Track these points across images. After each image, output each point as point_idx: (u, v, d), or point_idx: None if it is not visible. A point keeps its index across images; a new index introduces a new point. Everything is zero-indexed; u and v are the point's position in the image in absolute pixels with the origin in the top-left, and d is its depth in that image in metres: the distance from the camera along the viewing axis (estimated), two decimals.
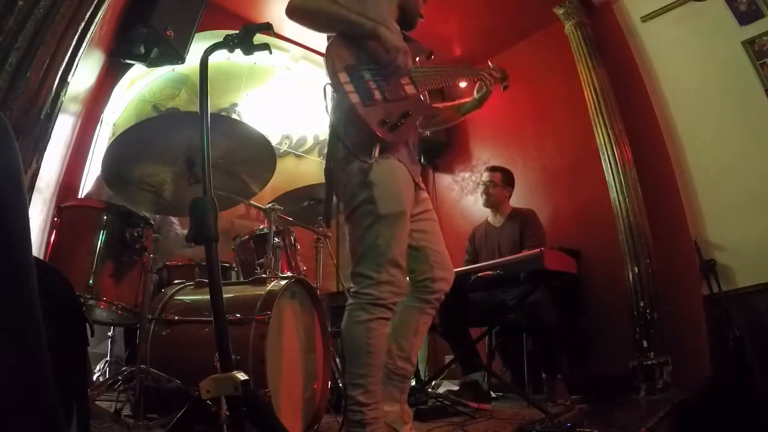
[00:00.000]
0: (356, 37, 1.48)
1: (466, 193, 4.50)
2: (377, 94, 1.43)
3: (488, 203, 3.17)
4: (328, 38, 1.54)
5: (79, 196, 2.65)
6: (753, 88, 2.96)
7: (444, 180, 4.79)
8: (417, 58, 1.64)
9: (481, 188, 3.21)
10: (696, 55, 3.26)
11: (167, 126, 1.93)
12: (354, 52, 1.47)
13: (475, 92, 1.88)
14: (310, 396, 1.84)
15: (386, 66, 1.47)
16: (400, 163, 1.48)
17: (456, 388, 3.36)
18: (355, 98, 1.38)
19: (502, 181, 3.15)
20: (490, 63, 1.95)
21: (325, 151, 1.53)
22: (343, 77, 1.40)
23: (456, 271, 2.65)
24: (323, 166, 1.64)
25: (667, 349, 2.87)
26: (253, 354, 1.53)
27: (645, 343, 2.89)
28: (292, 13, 1.47)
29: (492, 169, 3.23)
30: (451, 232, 4.36)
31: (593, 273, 3.32)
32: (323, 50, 1.51)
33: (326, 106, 1.47)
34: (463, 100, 1.90)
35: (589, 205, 3.52)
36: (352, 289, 1.42)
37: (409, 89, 1.54)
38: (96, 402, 1.63)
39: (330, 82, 1.42)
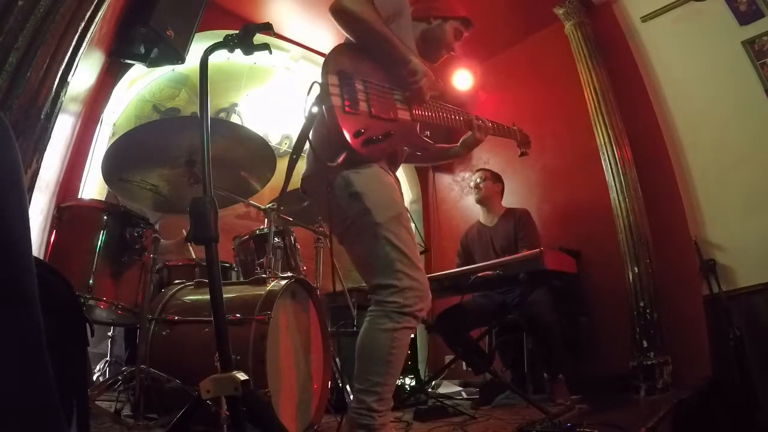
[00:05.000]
0: (370, 52, 1.46)
1: (466, 193, 4.50)
2: (363, 106, 1.39)
3: (480, 198, 3.27)
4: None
5: (79, 196, 2.66)
6: (753, 88, 2.96)
7: (444, 180, 4.79)
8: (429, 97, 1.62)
9: (472, 185, 3.35)
10: (696, 55, 3.25)
11: (167, 128, 1.94)
12: (356, 62, 1.44)
13: (461, 140, 1.84)
14: (309, 396, 1.84)
15: (409, 87, 1.48)
16: (381, 169, 1.46)
17: (458, 388, 3.38)
18: (337, 101, 1.35)
19: (492, 177, 3.27)
20: (514, 126, 1.97)
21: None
22: (332, 80, 1.37)
23: (455, 272, 2.69)
24: None
25: (667, 349, 2.87)
26: (253, 354, 1.53)
27: (645, 343, 2.88)
28: (340, 14, 1.40)
29: (481, 170, 3.38)
30: (450, 232, 4.38)
31: (593, 273, 3.32)
32: (323, 50, 1.51)
33: (306, 102, 1.42)
34: (451, 145, 1.87)
35: (589, 205, 3.52)
36: (375, 297, 1.37)
37: (402, 114, 1.50)
38: (96, 402, 1.63)
39: (320, 81, 1.39)
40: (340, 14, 1.40)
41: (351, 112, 1.37)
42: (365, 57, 1.46)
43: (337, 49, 1.46)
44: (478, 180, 3.27)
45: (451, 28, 1.70)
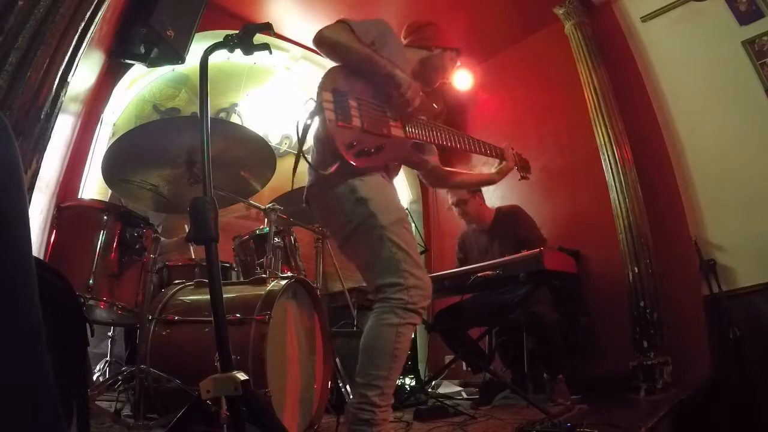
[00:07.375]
0: (363, 73, 1.54)
1: None
2: (356, 121, 1.48)
3: (471, 221, 3.10)
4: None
5: (79, 196, 2.65)
6: (753, 88, 2.96)
7: None
8: (423, 117, 1.71)
9: (456, 212, 3.11)
10: (696, 55, 3.26)
11: (167, 128, 1.94)
12: (350, 82, 1.53)
13: (494, 168, 2.01)
14: (309, 396, 1.84)
15: (396, 99, 1.55)
16: (383, 178, 1.57)
17: (458, 388, 3.38)
18: (330, 115, 1.44)
19: (469, 192, 3.03)
20: (512, 148, 2.05)
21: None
22: (327, 96, 1.46)
23: (455, 272, 2.69)
24: None
25: (667, 349, 2.87)
26: (253, 354, 1.54)
27: (645, 343, 2.89)
28: (321, 43, 1.52)
29: (454, 200, 3.09)
30: (450, 233, 4.37)
31: (593, 273, 3.32)
32: None
33: (300, 117, 1.50)
34: (482, 174, 2.07)
35: (589, 205, 3.52)
36: (379, 296, 1.42)
37: (395, 131, 1.59)
38: (96, 402, 1.63)
39: (316, 98, 1.48)
40: (321, 43, 1.52)
41: (344, 126, 1.45)
42: (358, 77, 1.55)
43: (333, 69, 1.55)
44: (459, 204, 3.04)
45: (448, 57, 1.86)
